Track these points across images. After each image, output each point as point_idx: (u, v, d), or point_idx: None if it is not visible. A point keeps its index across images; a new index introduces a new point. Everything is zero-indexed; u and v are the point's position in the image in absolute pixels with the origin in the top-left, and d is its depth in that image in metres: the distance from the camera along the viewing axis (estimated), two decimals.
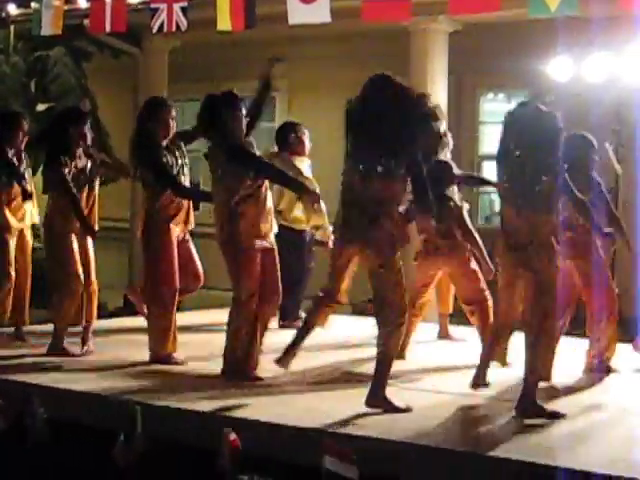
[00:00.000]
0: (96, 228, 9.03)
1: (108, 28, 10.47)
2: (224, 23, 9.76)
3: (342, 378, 8.06)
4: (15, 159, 9.53)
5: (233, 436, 6.15)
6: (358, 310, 11.72)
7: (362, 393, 7.19)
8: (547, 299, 6.80)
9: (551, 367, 7.03)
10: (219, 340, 8.24)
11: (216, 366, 8.19)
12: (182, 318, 9.28)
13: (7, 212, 9.46)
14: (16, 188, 9.46)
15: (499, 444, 6.10)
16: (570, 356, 8.19)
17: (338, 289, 7.31)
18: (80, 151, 8.97)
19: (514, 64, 12.69)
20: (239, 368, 7.95)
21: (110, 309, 13.28)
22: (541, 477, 5.49)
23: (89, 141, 9.11)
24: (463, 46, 12.66)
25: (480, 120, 14.78)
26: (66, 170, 8.80)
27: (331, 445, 5.87)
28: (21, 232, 9.63)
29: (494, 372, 7.45)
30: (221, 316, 8.55)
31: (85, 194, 9.01)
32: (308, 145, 10.60)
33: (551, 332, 6.87)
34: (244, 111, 8.28)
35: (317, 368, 8.33)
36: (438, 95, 12.37)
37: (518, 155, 6.90)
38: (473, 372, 7.38)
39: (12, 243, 9.51)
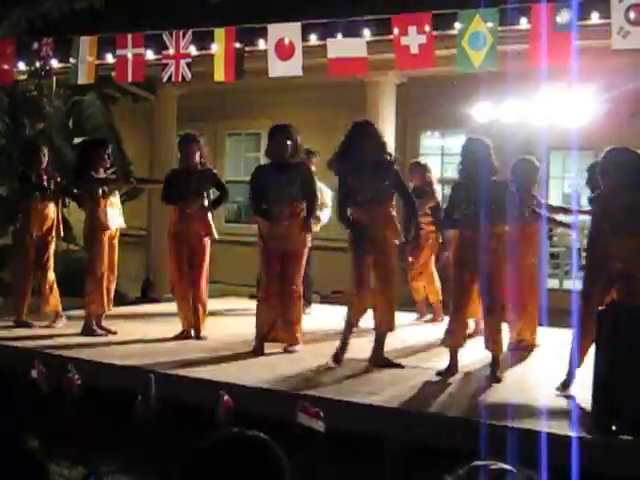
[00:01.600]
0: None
1: (130, 78, 10.46)
2: (219, 75, 9.77)
3: (314, 353, 8.05)
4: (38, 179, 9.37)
5: (226, 397, 6.16)
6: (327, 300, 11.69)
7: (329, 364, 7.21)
8: None
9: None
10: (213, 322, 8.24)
11: (215, 343, 8.19)
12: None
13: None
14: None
15: (433, 404, 6.14)
16: None
17: None
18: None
19: (447, 109, 12.77)
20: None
21: (131, 298, 13.22)
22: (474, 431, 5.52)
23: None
24: (407, 95, 12.68)
25: (421, 152, 14.79)
26: None
27: (304, 405, 5.89)
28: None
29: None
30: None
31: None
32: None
33: None
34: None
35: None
36: (387, 133, 12.38)
37: None
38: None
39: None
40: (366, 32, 9.09)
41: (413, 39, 8.68)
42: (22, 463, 2.07)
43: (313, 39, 9.54)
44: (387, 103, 12.41)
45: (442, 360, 7.35)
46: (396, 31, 8.75)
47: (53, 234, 9.44)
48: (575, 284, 7.94)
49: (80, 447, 6.30)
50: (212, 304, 9.89)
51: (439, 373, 7.06)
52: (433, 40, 8.68)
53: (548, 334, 8.65)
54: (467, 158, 7.24)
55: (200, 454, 2.25)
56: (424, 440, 5.73)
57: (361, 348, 7.60)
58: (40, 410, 6.88)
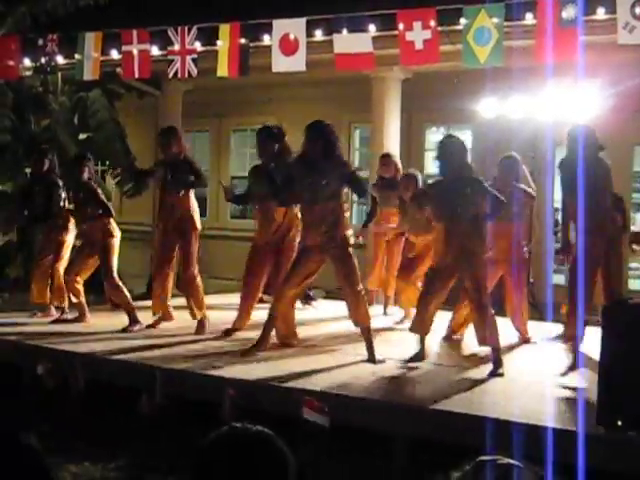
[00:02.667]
0: None
1: (136, 74, 10.47)
2: (223, 71, 9.78)
3: (317, 348, 8.04)
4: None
5: (232, 392, 6.17)
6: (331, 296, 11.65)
7: (333, 359, 7.20)
8: None
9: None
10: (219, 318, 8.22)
11: (221, 339, 8.19)
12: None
13: None
14: None
15: (437, 399, 6.14)
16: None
17: None
18: None
19: (452, 104, 12.74)
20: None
21: (136, 294, 13.20)
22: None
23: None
24: (413, 90, 12.67)
25: (426, 148, 14.76)
26: None
27: (308, 400, 5.89)
28: None
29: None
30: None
31: None
32: None
33: None
34: None
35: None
36: (393, 128, 12.38)
37: None
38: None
39: None
40: (371, 27, 9.09)
41: (418, 34, 8.67)
42: (26, 461, 2.06)
43: (318, 34, 9.55)
44: (392, 98, 12.41)
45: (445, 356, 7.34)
46: (401, 26, 8.74)
47: None
48: None
49: (87, 443, 6.31)
50: (218, 300, 9.90)
51: (405, 361, 7.22)
52: (438, 35, 8.68)
53: (553, 329, 8.66)
54: (448, 157, 7.24)
55: (205, 450, 2.25)
56: (430, 436, 5.73)
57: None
58: (46, 406, 6.89)
